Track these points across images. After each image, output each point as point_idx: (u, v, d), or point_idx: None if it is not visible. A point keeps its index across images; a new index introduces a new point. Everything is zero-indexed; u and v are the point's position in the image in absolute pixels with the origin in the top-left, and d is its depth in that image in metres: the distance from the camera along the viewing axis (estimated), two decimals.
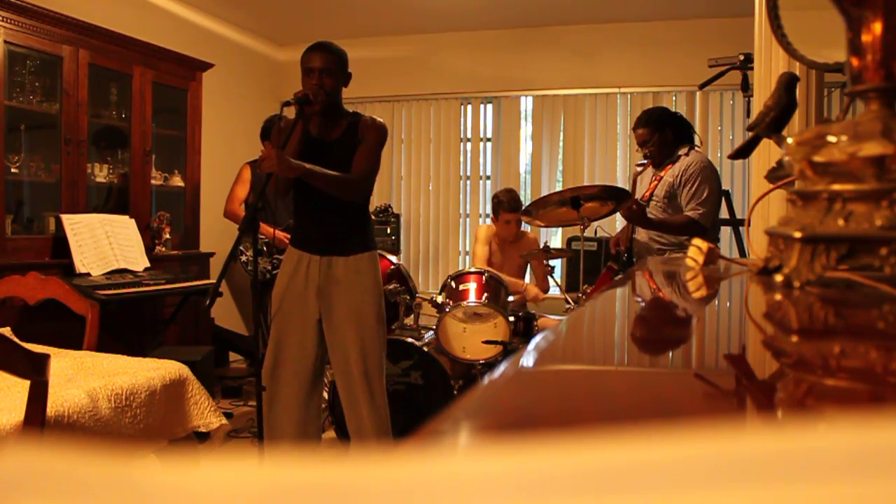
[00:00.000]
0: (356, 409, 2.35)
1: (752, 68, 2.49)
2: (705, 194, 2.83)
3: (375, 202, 5.09)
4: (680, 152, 2.94)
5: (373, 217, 4.25)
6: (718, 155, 4.83)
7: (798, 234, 0.65)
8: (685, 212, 2.85)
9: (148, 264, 3.63)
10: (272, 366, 2.36)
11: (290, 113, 2.36)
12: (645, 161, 3.11)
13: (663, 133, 2.94)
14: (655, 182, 2.98)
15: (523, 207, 3.43)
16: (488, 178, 5.45)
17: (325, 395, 2.84)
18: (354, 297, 2.34)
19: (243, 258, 3.96)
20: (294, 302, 2.37)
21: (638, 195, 3.01)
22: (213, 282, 3.77)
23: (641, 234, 3.02)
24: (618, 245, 3.16)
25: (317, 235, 2.38)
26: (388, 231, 5.14)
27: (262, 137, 3.96)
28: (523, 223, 3.75)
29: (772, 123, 0.87)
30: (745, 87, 3.29)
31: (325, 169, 2.23)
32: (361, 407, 2.33)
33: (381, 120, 2.42)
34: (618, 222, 4.33)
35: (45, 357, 1.40)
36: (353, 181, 2.29)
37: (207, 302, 2.20)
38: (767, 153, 1.88)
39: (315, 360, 2.40)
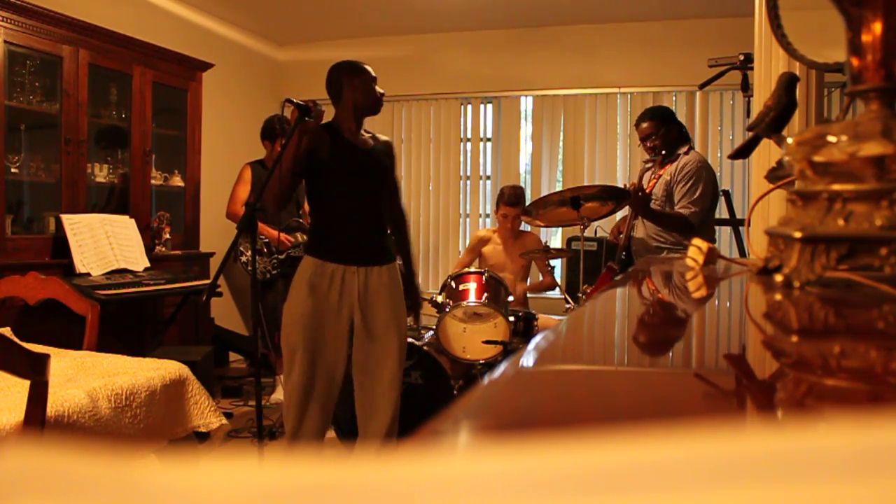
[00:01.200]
0: (376, 414, 2.39)
1: (752, 68, 2.49)
2: (698, 193, 2.84)
3: None
4: (680, 151, 2.96)
5: None
6: (718, 155, 4.83)
7: (798, 234, 0.65)
8: (677, 209, 2.87)
9: (148, 264, 3.63)
10: (304, 382, 2.33)
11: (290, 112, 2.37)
12: (653, 160, 3.11)
13: (669, 127, 2.96)
14: (654, 181, 3.00)
15: (524, 207, 3.43)
16: (488, 178, 5.45)
17: None
18: (393, 304, 2.43)
19: (243, 258, 3.95)
20: (329, 316, 2.37)
21: None
22: None
23: (639, 232, 3.02)
24: (619, 234, 3.15)
25: (356, 247, 2.43)
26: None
27: (263, 137, 3.96)
28: (523, 223, 3.74)
29: (772, 123, 0.86)
30: (745, 87, 3.29)
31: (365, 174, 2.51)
32: (381, 414, 2.37)
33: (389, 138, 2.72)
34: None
35: (45, 357, 1.40)
36: (405, 220, 2.75)
37: (203, 297, 2.20)
38: (767, 153, 1.88)
39: (344, 373, 2.44)
